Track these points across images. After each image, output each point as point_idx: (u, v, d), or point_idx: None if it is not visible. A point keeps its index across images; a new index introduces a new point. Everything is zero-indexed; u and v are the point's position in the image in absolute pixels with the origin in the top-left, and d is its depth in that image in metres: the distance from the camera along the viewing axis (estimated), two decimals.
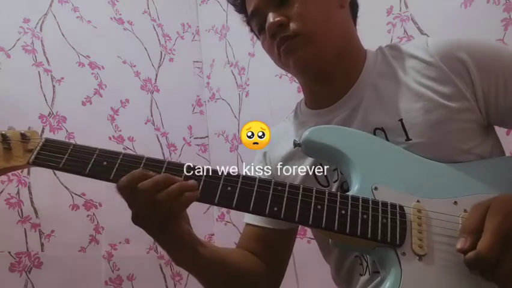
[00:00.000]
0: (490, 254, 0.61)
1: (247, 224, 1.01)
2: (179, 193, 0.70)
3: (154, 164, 0.74)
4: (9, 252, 1.77)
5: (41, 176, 1.86)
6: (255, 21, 0.89)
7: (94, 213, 2.00)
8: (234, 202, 0.72)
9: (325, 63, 0.85)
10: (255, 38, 2.51)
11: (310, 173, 0.90)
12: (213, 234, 2.37)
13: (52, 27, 2.08)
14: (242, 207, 0.72)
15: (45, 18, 2.08)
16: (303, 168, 0.91)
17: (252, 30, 0.97)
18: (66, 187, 1.94)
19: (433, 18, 1.63)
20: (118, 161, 0.74)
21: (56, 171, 1.90)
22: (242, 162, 2.31)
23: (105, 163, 0.75)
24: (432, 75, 0.81)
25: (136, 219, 0.71)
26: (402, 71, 0.84)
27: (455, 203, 0.73)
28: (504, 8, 1.45)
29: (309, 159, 0.90)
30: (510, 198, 0.68)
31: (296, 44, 0.83)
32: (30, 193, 1.86)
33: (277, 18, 0.82)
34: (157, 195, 0.68)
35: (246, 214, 1.02)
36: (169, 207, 0.69)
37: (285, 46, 0.84)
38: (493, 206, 0.66)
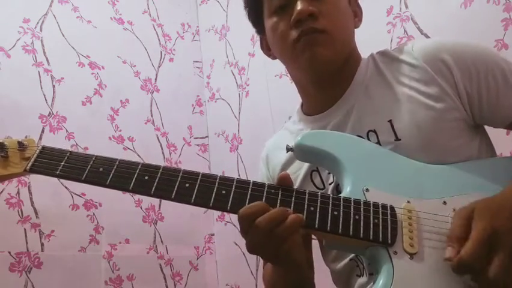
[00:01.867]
0: (471, 260, 0.63)
1: None
2: (291, 232, 0.70)
3: (149, 170, 0.75)
4: (9, 252, 1.77)
5: (41, 176, 1.85)
6: (276, 1, 0.88)
7: (94, 213, 2.01)
8: (229, 205, 0.73)
9: (334, 66, 0.88)
10: (255, 38, 2.50)
11: (308, 177, 0.92)
12: (213, 234, 2.37)
13: (52, 27, 2.09)
14: (236, 210, 0.73)
15: (45, 18, 2.08)
16: (300, 173, 0.93)
17: (250, 8, 0.96)
18: (66, 187, 1.94)
19: (433, 18, 1.63)
20: (114, 167, 0.76)
21: None
22: (242, 162, 2.32)
23: (101, 169, 0.76)
24: (417, 77, 0.84)
25: (250, 249, 0.72)
26: (391, 75, 0.87)
27: (444, 203, 0.74)
28: (504, 8, 1.45)
29: (306, 164, 0.92)
30: (493, 201, 0.69)
31: (321, 39, 0.84)
32: (30, 193, 1.86)
33: (311, 8, 0.83)
34: (270, 233, 0.69)
35: None
36: (279, 244, 0.71)
37: (310, 37, 0.84)
38: (477, 210, 0.68)
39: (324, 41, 0.84)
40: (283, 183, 0.75)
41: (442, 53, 0.83)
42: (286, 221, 0.69)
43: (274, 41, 0.91)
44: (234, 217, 2.42)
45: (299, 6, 0.84)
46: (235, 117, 2.38)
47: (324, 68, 0.87)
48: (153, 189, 0.74)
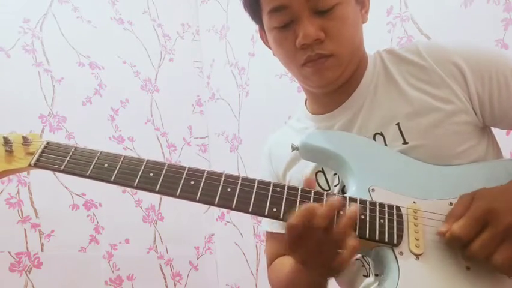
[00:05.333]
0: (460, 233, 0.67)
1: (269, 232, 1.01)
2: (350, 225, 0.66)
3: (155, 166, 0.75)
4: (9, 252, 1.77)
5: (41, 176, 1.85)
6: (278, 16, 0.82)
7: (94, 213, 2.00)
8: (234, 203, 0.72)
9: (343, 80, 0.87)
10: (254, 38, 2.49)
11: (312, 178, 0.90)
12: (213, 234, 2.37)
13: (52, 27, 2.09)
14: (242, 208, 0.72)
15: (45, 18, 2.08)
16: (305, 173, 0.91)
17: (254, 19, 0.91)
18: (66, 187, 1.94)
19: (433, 18, 1.63)
20: (119, 163, 0.75)
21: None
22: (242, 162, 2.32)
23: (106, 165, 0.75)
24: (427, 79, 0.83)
25: (305, 259, 0.68)
26: (399, 76, 0.86)
27: (451, 204, 0.74)
28: (504, 8, 1.45)
29: (311, 165, 0.90)
30: (495, 188, 0.72)
31: (328, 65, 0.82)
32: (30, 193, 1.86)
33: (317, 33, 0.79)
34: (328, 233, 0.65)
35: (264, 222, 1.02)
36: (337, 245, 0.66)
37: (317, 64, 0.82)
38: (478, 194, 0.70)
39: (332, 65, 0.82)
40: (309, 187, 0.73)
41: (454, 56, 0.82)
42: (344, 214, 0.66)
43: (279, 55, 0.88)
44: (234, 217, 2.45)
45: (305, 29, 0.79)
46: (235, 117, 2.38)
47: (333, 85, 0.86)
48: (158, 186, 0.73)
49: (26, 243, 1.82)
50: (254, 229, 2.19)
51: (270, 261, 1.00)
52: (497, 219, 0.66)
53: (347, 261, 0.66)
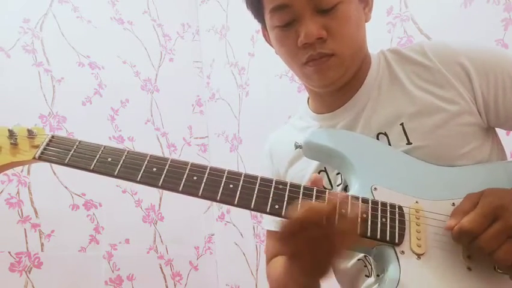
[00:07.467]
0: (470, 226, 0.66)
1: (270, 231, 1.00)
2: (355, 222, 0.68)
3: (158, 161, 0.75)
4: (9, 252, 1.77)
5: (41, 176, 1.86)
6: (280, 15, 0.82)
7: (94, 213, 2.01)
8: (236, 199, 0.72)
9: (345, 80, 0.86)
10: (254, 38, 2.48)
11: (319, 176, 0.89)
12: (213, 234, 2.37)
13: (52, 27, 2.09)
14: (243, 204, 0.72)
15: (45, 18, 2.08)
16: (307, 171, 0.91)
17: (256, 18, 0.91)
18: (66, 187, 1.94)
19: (433, 18, 1.63)
20: (123, 158, 0.76)
21: (57, 171, 1.92)
22: (242, 162, 2.32)
23: (110, 159, 0.76)
24: (432, 79, 0.83)
25: (295, 256, 0.68)
26: (404, 75, 0.85)
27: (453, 204, 0.74)
28: (504, 8, 1.45)
29: (314, 164, 0.90)
30: (500, 189, 0.72)
31: (330, 63, 0.81)
32: (30, 193, 1.86)
33: (319, 32, 0.79)
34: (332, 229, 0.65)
35: (265, 220, 1.02)
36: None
37: (318, 62, 0.81)
38: (485, 193, 0.71)
39: (334, 65, 0.82)
40: (316, 185, 0.73)
41: (460, 57, 0.82)
42: (346, 214, 0.67)
43: (280, 54, 0.88)
44: (234, 217, 2.45)
45: (307, 28, 0.79)
46: (235, 117, 2.38)
47: (335, 85, 0.86)
48: (161, 181, 0.74)
49: (26, 243, 1.82)
50: (254, 229, 2.19)
51: (270, 260, 1.00)
52: (506, 215, 0.66)
53: (339, 260, 0.68)
